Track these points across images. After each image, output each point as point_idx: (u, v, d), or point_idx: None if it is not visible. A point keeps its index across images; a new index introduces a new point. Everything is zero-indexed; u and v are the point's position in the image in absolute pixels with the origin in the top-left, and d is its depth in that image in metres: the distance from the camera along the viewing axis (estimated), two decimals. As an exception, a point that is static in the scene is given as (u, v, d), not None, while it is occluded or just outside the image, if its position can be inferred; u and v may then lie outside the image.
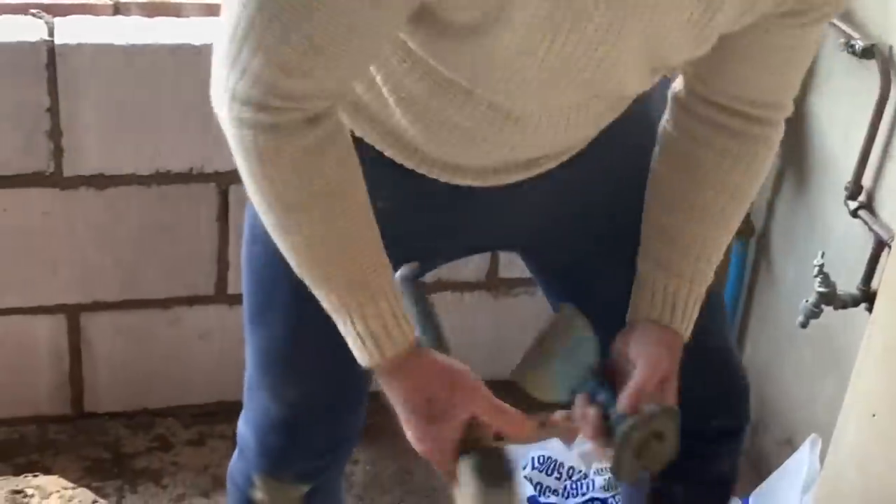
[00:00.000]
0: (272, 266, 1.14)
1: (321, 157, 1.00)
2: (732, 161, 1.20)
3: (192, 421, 2.16)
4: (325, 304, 1.08)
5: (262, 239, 1.12)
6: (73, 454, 2.04)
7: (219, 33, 0.97)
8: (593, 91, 1.07)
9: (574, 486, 2.05)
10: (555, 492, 2.03)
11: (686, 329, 1.22)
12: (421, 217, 1.20)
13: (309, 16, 0.91)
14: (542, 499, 2.00)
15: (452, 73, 1.04)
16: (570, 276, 1.34)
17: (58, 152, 1.87)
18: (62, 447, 2.06)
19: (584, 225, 1.28)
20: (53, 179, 1.89)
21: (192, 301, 2.08)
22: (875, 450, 1.50)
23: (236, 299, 2.08)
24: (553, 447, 2.11)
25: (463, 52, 0.99)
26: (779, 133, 1.23)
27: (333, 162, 1.02)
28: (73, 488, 1.38)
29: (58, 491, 1.36)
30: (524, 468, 2.06)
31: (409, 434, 1.11)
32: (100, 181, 1.91)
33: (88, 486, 1.87)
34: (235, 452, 1.43)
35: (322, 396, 1.29)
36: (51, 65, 1.80)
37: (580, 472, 2.07)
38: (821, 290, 1.72)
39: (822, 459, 1.71)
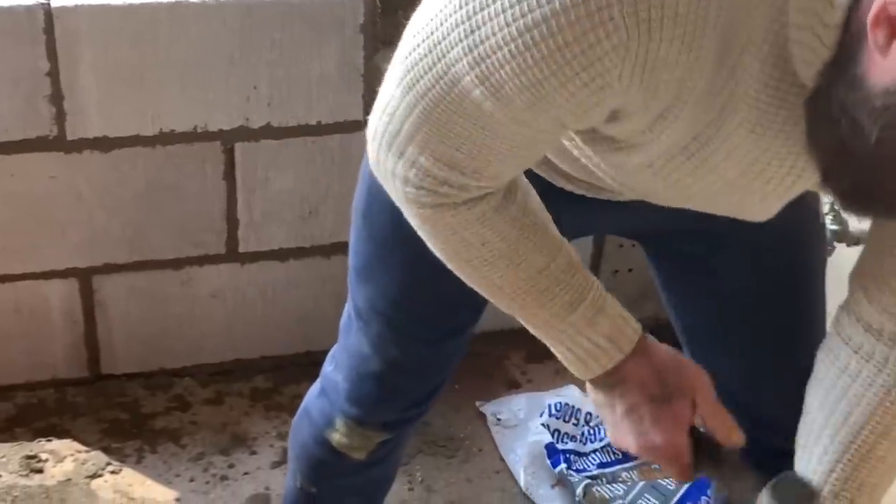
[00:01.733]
0: (390, 226, 1.14)
1: (484, 226, 0.99)
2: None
3: (209, 380, 2.17)
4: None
5: (383, 203, 1.08)
6: (91, 416, 2.06)
7: (379, 113, 0.95)
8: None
9: (591, 431, 2.05)
10: (572, 438, 2.04)
11: None
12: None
13: (473, 135, 0.89)
14: (559, 445, 2.01)
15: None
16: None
17: (60, 116, 1.86)
18: (81, 409, 2.07)
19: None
20: (57, 143, 1.89)
21: (202, 261, 2.08)
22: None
23: (247, 258, 2.10)
24: (569, 394, 2.12)
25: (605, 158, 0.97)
26: None
27: (501, 228, 1.00)
28: (87, 451, 1.38)
29: (72, 454, 1.37)
30: (541, 415, 2.06)
31: (638, 430, 1.07)
32: (104, 143, 1.91)
33: (107, 448, 1.88)
34: (315, 390, 1.43)
35: (422, 358, 1.31)
36: (48, 28, 1.79)
37: (597, 417, 2.07)
38: (833, 227, 1.70)
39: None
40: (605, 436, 2.03)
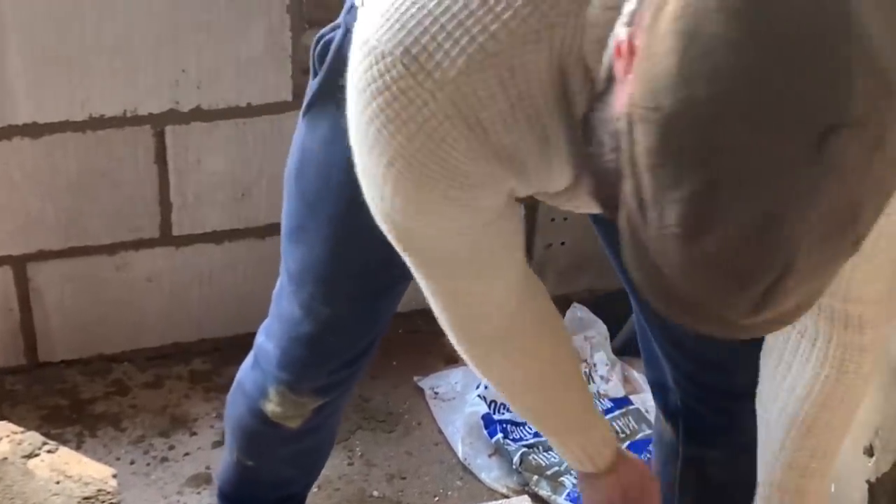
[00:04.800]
0: (320, 181, 1.21)
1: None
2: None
3: (147, 364, 2.18)
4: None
5: (314, 163, 1.19)
6: (30, 404, 2.06)
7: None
8: None
9: (527, 401, 2.09)
10: (508, 408, 2.07)
11: None
12: None
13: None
14: (495, 416, 2.04)
15: None
16: None
17: (-5, 103, 1.86)
18: (19, 397, 2.08)
19: None
20: (-12, 131, 1.89)
21: (137, 245, 2.08)
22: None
23: (182, 241, 2.11)
24: (506, 365, 2.15)
25: None
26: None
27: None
28: (23, 432, 1.38)
29: (7, 436, 1.37)
30: (477, 387, 2.09)
31: None
32: (33, 130, 1.90)
33: (47, 434, 1.88)
34: (248, 362, 1.45)
35: (353, 316, 1.33)
36: (-28, 15, 1.79)
37: (533, 387, 2.11)
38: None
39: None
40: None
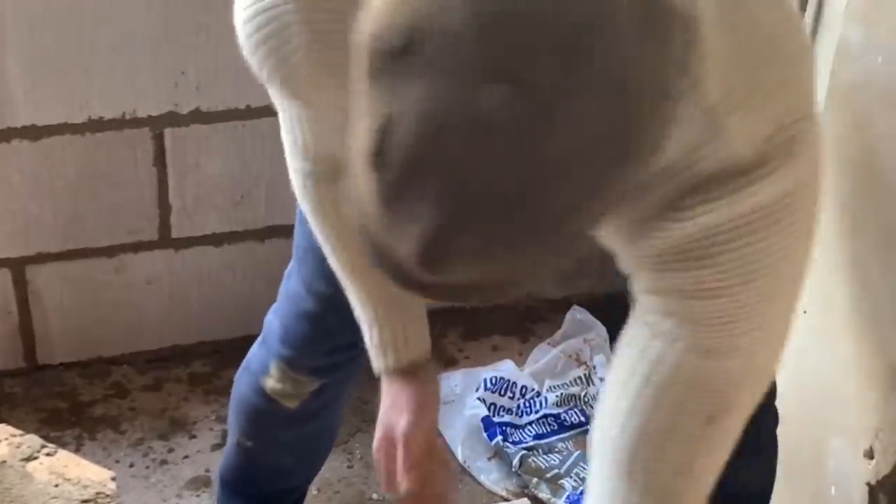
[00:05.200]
0: None
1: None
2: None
3: (146, 366, 2.18)
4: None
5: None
6: (29, 406, 2.06)
7: None
8: None
9: (527, 404, 2.09)
10: (508, 411, 2.07)
11: None
12: None
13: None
14: (495, 418, 2.04)
15: None
16: None
17: (-6, 108, 1.86)
18: (18, 400, 2.07)
19: None
20: (-15, 134, 1.88)
21: (136, 247, 2.08)
22: (807, 346, 1.54)
23: (181, 243, 2.10)
24: (505, 368, 2.15)
25: None
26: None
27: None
28: (22, 435, 1.39)
29: (6, 439, 1.37)
30: (477, 390, 2.09)
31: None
32: (32, 132, 1.90)
33: (46, 437, 1.88)
34: (257, 342, 1.49)
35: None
36: (-30, 17, 1.79)
37: (533, 390, 2.11)
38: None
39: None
40: (541, 408, 2.08)
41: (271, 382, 1.42)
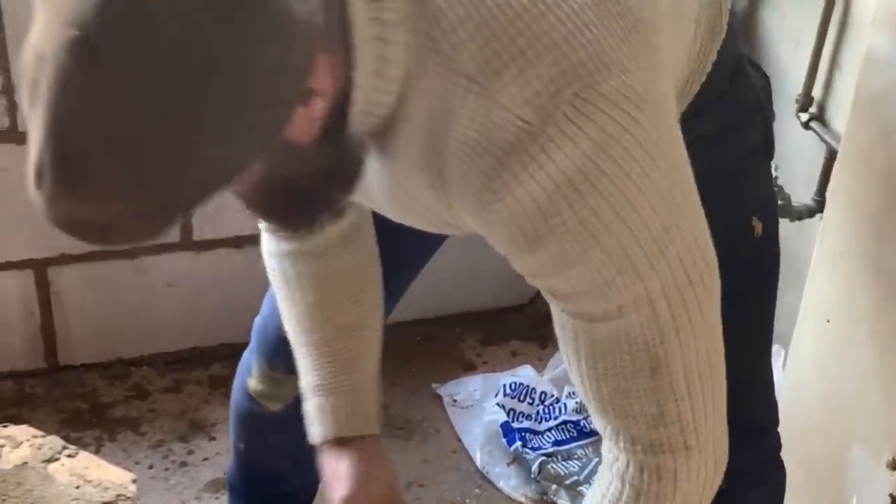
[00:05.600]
0: None
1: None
2: None
3: (167, 368, 2.18)
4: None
5: None
6: (50, 407, 2.07)
7: None
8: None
9: (546, 410, 2.08)
10: (528, 416, 2.07)
11: None
12: None
13: None
14: (514, 424, 2.04)
15: None
16: None
17: (12, 108, 1.87)
18: (39, 401, 2.08)
19: None
20: (9, 136, 1.89)
21: (158, 250, 2.09)
22: (830, 355, 1.53)
23: (202, 246, 2.11)
24: (524, 374, 2.15)
25: None
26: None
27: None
28: (43, 436, 1.39)
29: (28, 440, 1.37)
30: (496, 395, 2.09)
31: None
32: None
33: (67, 438, 1.89)
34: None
35: None
36: (-2, 18, 1.80)
37: (552, 396, 2.10)
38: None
39: (784, 370, 1.74)
40: (560, 414, 2.07)
41: (253, 383, 1.43)
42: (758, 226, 1.25)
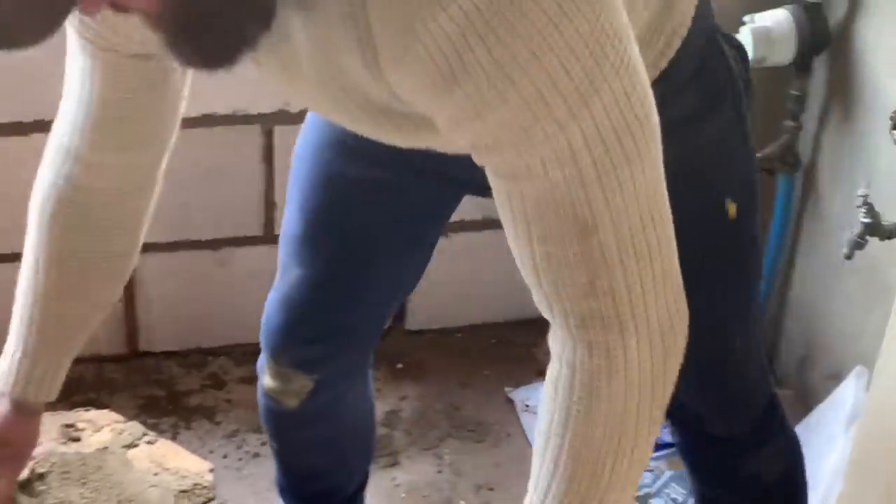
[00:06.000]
0: (296, 159, 1.38)
1: None
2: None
3: (243, 359, 2.20)
4: None
5: (297, 147, 1.37)
6: (128, 392, 2.10)
7: None
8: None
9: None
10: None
11: None
12: None
13: None
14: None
15: None
16: None
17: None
18: (118, 386, 2.12)
19: None
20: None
21: (240, 242, 2.11)
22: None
23: (284, 240, 2.13)
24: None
25: None
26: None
27: None
28: (125, 422, 1.41)
29: (109, 424, 1.40)
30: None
31: None
32: (146, 125, 1.94)
33: (144, 424, 1.92)
34: None
35: (318, 280, 1.36)
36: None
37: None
38: (865, 220, 1.70)
39: (868, 391, 1.71)
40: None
41: (266, 380, 1.44)
42: (731, 207, 1.22)
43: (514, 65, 0.80)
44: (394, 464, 2.00)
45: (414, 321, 2.28)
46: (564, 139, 0.84)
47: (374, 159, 1.23)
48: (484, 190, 0.94)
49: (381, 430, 2.05)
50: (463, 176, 1.05)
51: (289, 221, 1.38)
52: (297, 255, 1.37)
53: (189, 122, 1.94)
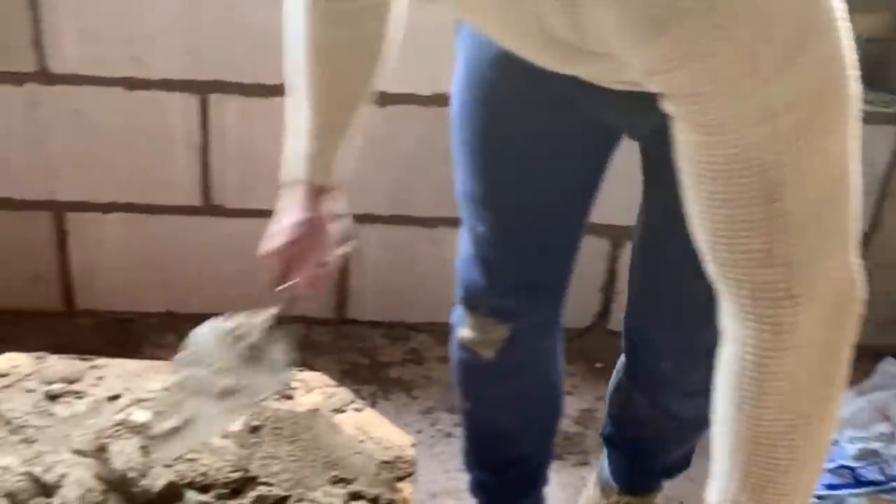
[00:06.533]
0: (457, 123, 1.43)
1: None
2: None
3: (444, 338, 2.21)
4: None
5: (455, 110, 1.42)
6: (333, 356, 2.16)
7: None
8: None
9: (823, 450, 1.99)
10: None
11: None
12: None
13: None
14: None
15: None
16: None
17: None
18: (324, 349, 2.18)
19: None
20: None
21: (455, 222, 2.12)
22: None
23: (499, 225, 2.14)
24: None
25: None
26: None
27: None
28: (335, 386, 1.45)
29: (320, 387, 1.44)
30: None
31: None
32: (380, 98, 1.98)
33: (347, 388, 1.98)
34: None
35: (507, 234, 1.39)
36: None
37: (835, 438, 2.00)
38: None
39: None
40: (837, 458, 1.97)
41: (463, 331, 1.46)
42: None
43: (727, 14, 0.78)
44: (584, 462, 1.99)
45: (617, 322, 2.25)
46: (765, 95, 0.82)
47: (539, 113, 1.29)
48: (637, 136, 1.02)
49: (574, 428, 2.04)
50: (618, 123, 1.23)
51: (464, 181, 1.41)
52: (479, 214, 1.40)
53: (421, 100, 1.99)
